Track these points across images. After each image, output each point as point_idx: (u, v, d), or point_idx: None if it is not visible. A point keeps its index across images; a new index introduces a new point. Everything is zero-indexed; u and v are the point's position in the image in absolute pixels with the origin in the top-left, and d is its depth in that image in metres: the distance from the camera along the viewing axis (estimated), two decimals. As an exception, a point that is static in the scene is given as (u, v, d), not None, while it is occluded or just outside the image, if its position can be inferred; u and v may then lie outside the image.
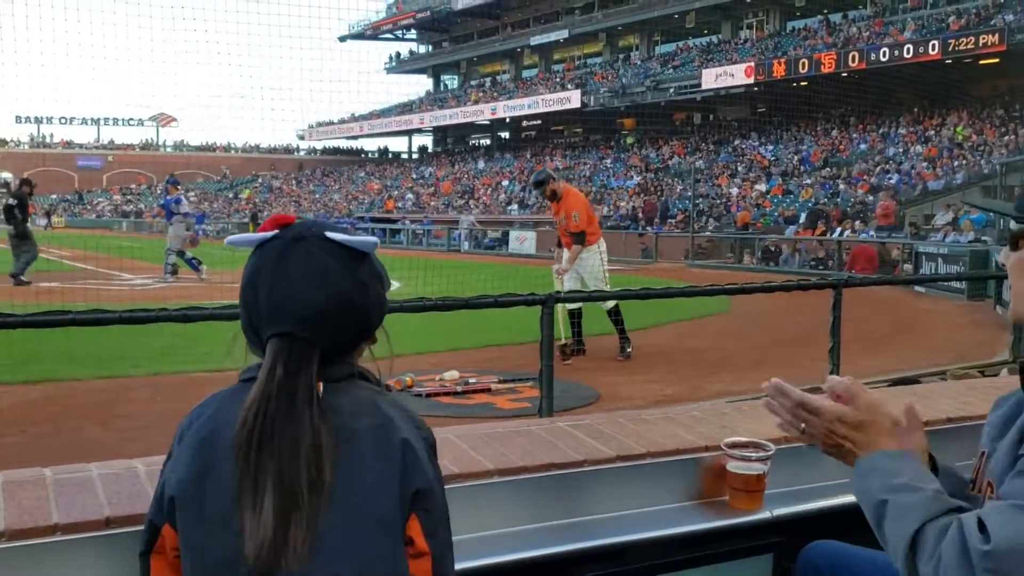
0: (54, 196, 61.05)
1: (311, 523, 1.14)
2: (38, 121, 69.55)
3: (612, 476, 1.89)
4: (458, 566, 1.59)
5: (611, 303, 8.14)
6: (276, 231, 1.27)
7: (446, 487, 1.74)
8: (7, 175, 67.55)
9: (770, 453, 1.90)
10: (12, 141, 69.91)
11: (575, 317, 8.32)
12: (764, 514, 1.91)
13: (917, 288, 15.12)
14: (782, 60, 35.16)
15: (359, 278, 1.25)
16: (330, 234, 1.26)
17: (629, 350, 8.41)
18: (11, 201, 15.39)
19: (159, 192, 63.69)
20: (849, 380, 1.38)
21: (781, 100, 35.96)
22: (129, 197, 64.00)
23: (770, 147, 36.46)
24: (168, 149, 72.13)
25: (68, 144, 70.33)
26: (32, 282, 13.95)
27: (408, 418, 1.26)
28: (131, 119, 71.56)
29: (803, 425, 1.38)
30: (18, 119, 69.26)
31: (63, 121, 70.00)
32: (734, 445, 1.92)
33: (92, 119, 70.63)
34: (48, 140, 70.64)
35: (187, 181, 58.37)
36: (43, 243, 17.33)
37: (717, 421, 2.19)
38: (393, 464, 1.19)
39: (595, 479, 1.87)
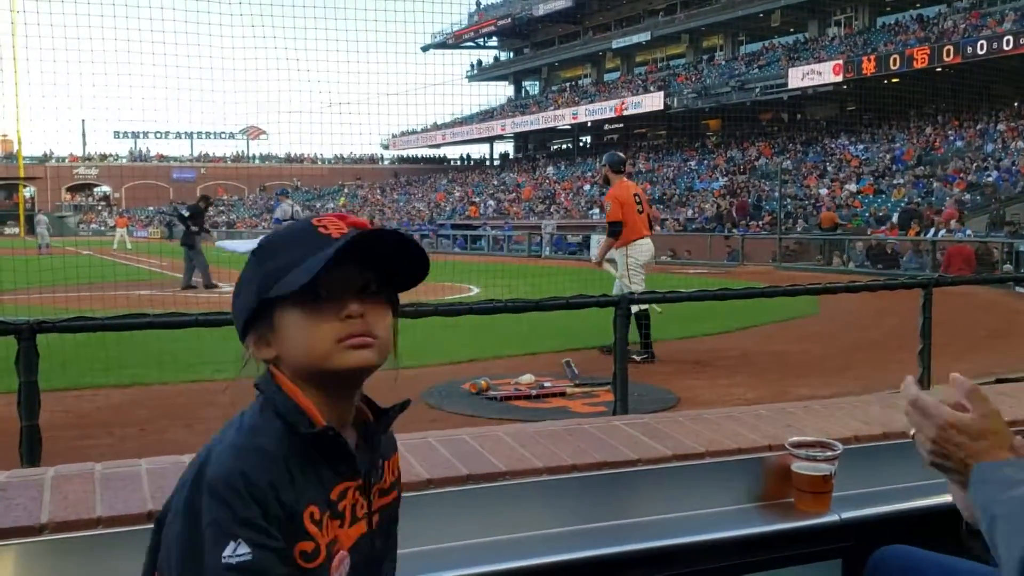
0: (151, 208, 63.38)
1: None
2: (135, 136, 72.34)
3: (668, 476, 1.81)
4: (503, 566, 1.54)
5: (642, 307, 7.83)
6: None
7: (492, 485, 1.69)
8: (106, 189, 70.56)
9: (838, 453, 1.80)
10: (111, 156, 72.89)
11: (641, 319, 7.94)
12: (832, 517, 1.80)
13: (1018, 289, 14.44)
14: (872, 57, 34.16)
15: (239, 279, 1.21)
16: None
17: (639, 358, 7.85)
18: (184, 212, 16.76)
19: (250, 203, 65.66)
20: (974, 384, 1.26)
21: (872, 98, 34.93)
22: (221, 208, 66.02)
23: (861, 146, 35.45)
24: (257, 161, 74.13)
25: (163, 158, 72.98)
26: (197, 286, 15.80)
27: (213, 442, 1.16)
28: (222, 132, 73.80)
29: (912, 431, 1.27)
30: (117, 134, 72.13)
31: (158, 136, 72.64)
32: (799, 444, 1.82)
33: (186, 133, 73.12)
34: (145, 154, 73.43)
35: (271, 192, 59.99)
36: (142, 254, 18.10)
37: (782, 420, 2.09)
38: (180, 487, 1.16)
39: (650, 479, 1.79)
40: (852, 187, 30.46)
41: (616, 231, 8.44)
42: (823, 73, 35.90)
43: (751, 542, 1.75)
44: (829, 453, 1.80)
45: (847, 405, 2.32)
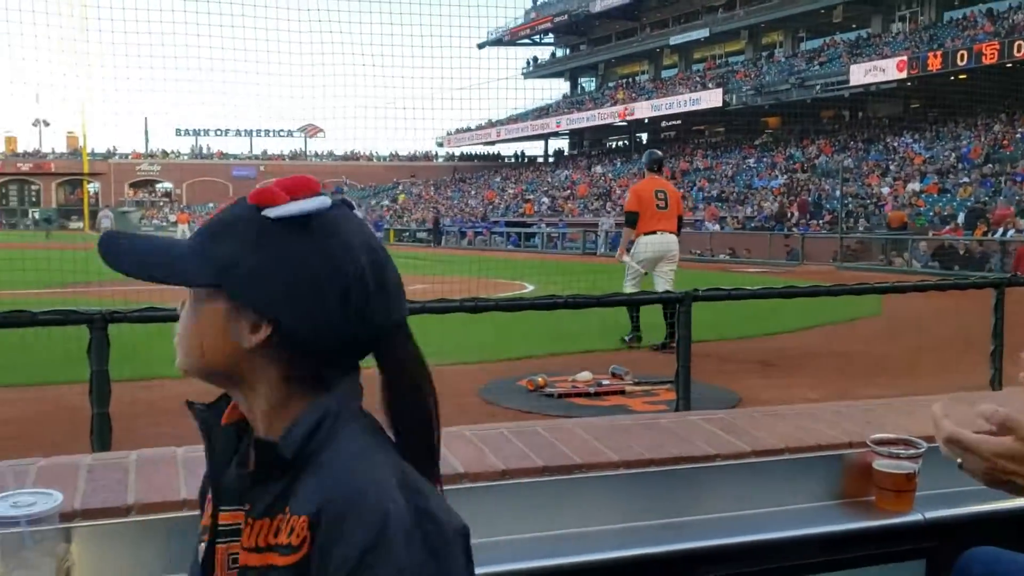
0: (211, 204, 64.54)
1: None
2: (196, 134, 73.77)
3: (746, 472, 1.78)
4: (579, 559, 1.53)
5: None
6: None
7: (568, 477, 1.69)
8: (168, 185, 72.11)
9: (921, 451, 1.75)
10: (173, 153, 74.46)
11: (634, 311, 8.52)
12: (915, 516, 1.75)
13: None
14: (938, 53, 33.34)
15: None
16: None
17: (627, 337, 8.61)
18: None
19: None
20: (1004, 411, 1.22)
21: (937, 95, 34.12)
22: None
23: (925, 144, 34.65)
24: (315, 159, 75.06)
25: (223, 155, 74.32)
26: None
27: None
28: (281, 130, 74.82)
29: (959, 460, 1.24)
30: (178, 132, 73.66)
31: (219, 133, 73.95)
32: (882, 442, 1.78)
33: (245, 131, 74.29)
34: (205, 152, 74.87)
35: (330, 189, 60.61)
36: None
37: (862, 417, 2.04)
38: None
39: (727, 475, 1.77)
40: (915, 186, 29.80)
41: (631, 220, 8.79)
42: (886, 70, 35.15)
43: (832, 540, 1.72)
44: (912, 451, 1.76)
45: (928, 403, 2.26)
